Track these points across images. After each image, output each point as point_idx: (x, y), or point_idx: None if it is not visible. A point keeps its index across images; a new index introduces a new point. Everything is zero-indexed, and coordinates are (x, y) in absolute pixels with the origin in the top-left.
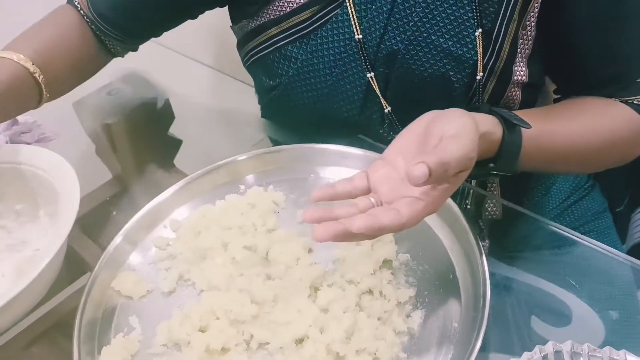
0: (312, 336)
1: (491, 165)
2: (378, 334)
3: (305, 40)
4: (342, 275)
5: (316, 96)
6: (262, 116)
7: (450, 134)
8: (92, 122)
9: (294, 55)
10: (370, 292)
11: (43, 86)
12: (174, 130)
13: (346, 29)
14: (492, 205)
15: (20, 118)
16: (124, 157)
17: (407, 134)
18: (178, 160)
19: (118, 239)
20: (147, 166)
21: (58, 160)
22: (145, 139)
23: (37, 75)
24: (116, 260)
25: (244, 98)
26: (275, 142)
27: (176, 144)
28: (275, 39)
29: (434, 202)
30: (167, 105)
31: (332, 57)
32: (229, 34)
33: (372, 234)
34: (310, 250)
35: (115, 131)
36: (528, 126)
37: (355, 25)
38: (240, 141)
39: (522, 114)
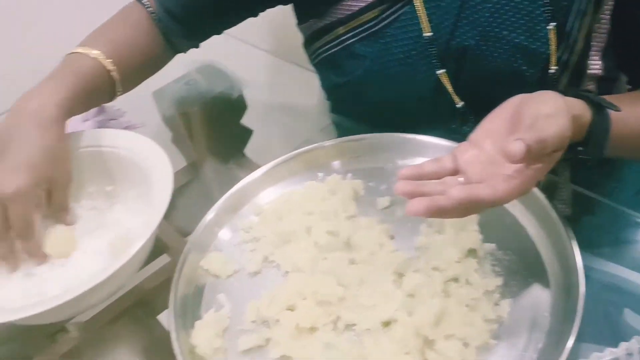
0: (401, 319)
1: (580, 149)
2: (467, 321)
3: (373, 38)
4: (427, 262)
5: (386, 93)
6: (331, 111)
7: (546, 113)
8: (170, 110)
9: (362, 53)
10: (455, 279)
11: (117, 82)
12: (246, 120)
13: (415, 27)
14: (563, 194)
15: (107, 105)
16: (198, 145)
17: (495, 118)
18: (249, 149)
19: (205, 221)
20: (220, 155)
21: (151, 146)
22: (219, 128)
23: (113, 72)
24: (204, 242)
25: (312, 87)
26: (343, 133)
27: (247, 133)
28: (343, 38)
29: (528, 181)
30: (241, 96)
31: (401, 55)
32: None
33: (467, 206)
34: (392, 237)
35: (191, 120)
36: (618, 109)
37: (425, 22)
38: (308, 131)
39: (608, 98)
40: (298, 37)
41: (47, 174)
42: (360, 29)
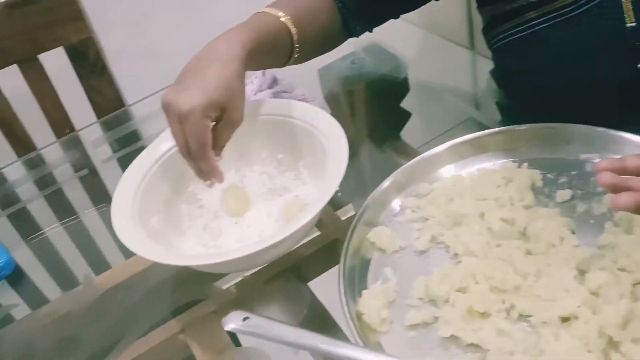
0: (583, 316)
1: None
2: None
3: (566, 25)
4: (614, 261)
5: (572, 83)
6: (503, 98)
7: None
8: (333, 88)
9: (552, 40)
10: None
11: (296, 47)
12: (406, 103)
13: (616, 15)
14: None
15: (279, 77)
16: (357, 124)
17: None
18: (405, 133)
19: (375, 196)
20: (376, 136)
21: (328, 119)
22: (379, 109)
23: (294, 35)
24: (371, 216)
25: (476, 71)
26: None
27: (406, 116)
28: (532, 23)
29: None
30: (405, 78)
31: (595, 45)
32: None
33: None
34: (573, 232)
35: (353, 99)
36: None
37: (629, 10)
38: (467, 115)
39: None
40: (469, 20)
41: (220, 100)
42: (554, 14)
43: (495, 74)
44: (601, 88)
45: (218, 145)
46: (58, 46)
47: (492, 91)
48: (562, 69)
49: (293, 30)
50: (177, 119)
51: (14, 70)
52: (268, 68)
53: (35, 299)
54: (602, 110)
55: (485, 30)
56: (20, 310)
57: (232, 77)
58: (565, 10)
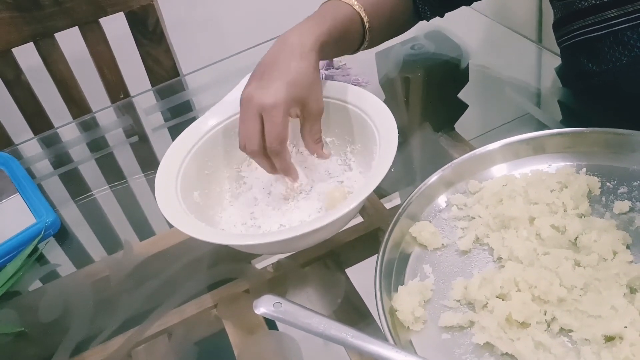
0: (629, 338)
1: None
2: None
3: None
4: None
5: None
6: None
7: None
8: (390, 73)
9: (632, 42)
10: None
11: (367, 35)
12: (463, 93)
13: None
14: None
15: (335, 59)
16: (411, 112)
17: None
18: (459, 124)
19: (420, 190)
20: (429, 125)
21: (379, 106)
22: (435, 98)
23: (366, 21)
24: (415, 210)
25: (542, 67)
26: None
27: (462, 107)
28: (612, 22)
29: None
30: (465, 68)
31: None
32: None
33: None
34: (628, 247)
35: (409, 86)
36: None
37: None
38: (526, 113)
39: None
40: (540, 14)
41: (302, 95)
42: (636, 15)
43: (562, 72)
44: None
45: (315, 140)
46: (119, 11)
47: (556, 89)
48: (639, 73)
49: (365, 19)
50: (257, 115)
51: (75, 32)
52: (340, 56)
53: (79, 258)
54: None
55: (557, 26)
56: (64, 268)
57: (310, 70)
58: None
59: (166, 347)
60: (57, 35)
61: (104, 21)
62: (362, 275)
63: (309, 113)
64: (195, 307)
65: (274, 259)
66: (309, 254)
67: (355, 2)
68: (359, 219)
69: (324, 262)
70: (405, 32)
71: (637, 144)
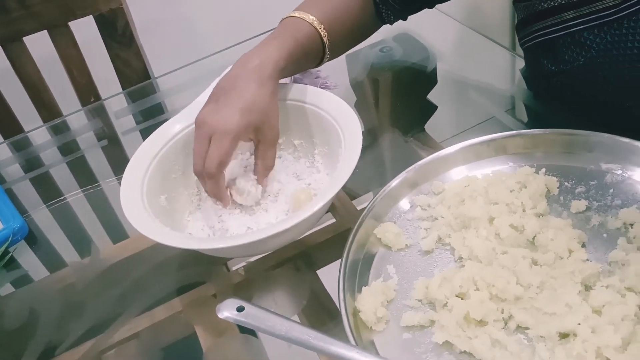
0: (582, 335)
1: None
2: None
3: (605, 28)
4: (622, 280)
5: (606, 90)
6: (531, 98)
7: None
8: (360, 75)
9: (588, 43)
10: None
11: (327, 49)
12: (433, 95)
13: None
14: None
15: None
16: (381, 113)
17: None
18: (429, 126)
19: (385, 191)
20: (399, 126)
21: (345, 109)
22: (404, 100)
23: (325, 38)
24: (380, 211)
25: (506, 69)
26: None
27: (431, 109)
28: (569, 23)
29: None
30: (434, 70)
31: (635, 51)
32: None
33: None
34: (583, 245)
35: (378, 87)
36: None
37: None
38: (493, 114)
39: None
40: (502, 15)
41: (256, 122)
42: (593, 16)
43: (526, 73)
44: (634, 97)
45: (266, 166)
46: (88, 14)
47: (522, 92)
48: (596, 74)
49: (325, 36)
50: (207, 139)
51: (44, 35)
52: (303, 70)
53: (50, 263)
54: (633, 120)
55: (519, 27)
56: (31, 274)
57: (267, 97)
58: (605, 12)
59: (136, 351)
60: (25, 38)
61: (74, 24)
62: (333, 276)
63: (264, 139)
64: (165, 311)
65: (245, 261)
66: (280, 256)
67: (315, 19)
68: (330, 220)
69: (294, 263)
70: (374, 35)
71: (594, 144)
